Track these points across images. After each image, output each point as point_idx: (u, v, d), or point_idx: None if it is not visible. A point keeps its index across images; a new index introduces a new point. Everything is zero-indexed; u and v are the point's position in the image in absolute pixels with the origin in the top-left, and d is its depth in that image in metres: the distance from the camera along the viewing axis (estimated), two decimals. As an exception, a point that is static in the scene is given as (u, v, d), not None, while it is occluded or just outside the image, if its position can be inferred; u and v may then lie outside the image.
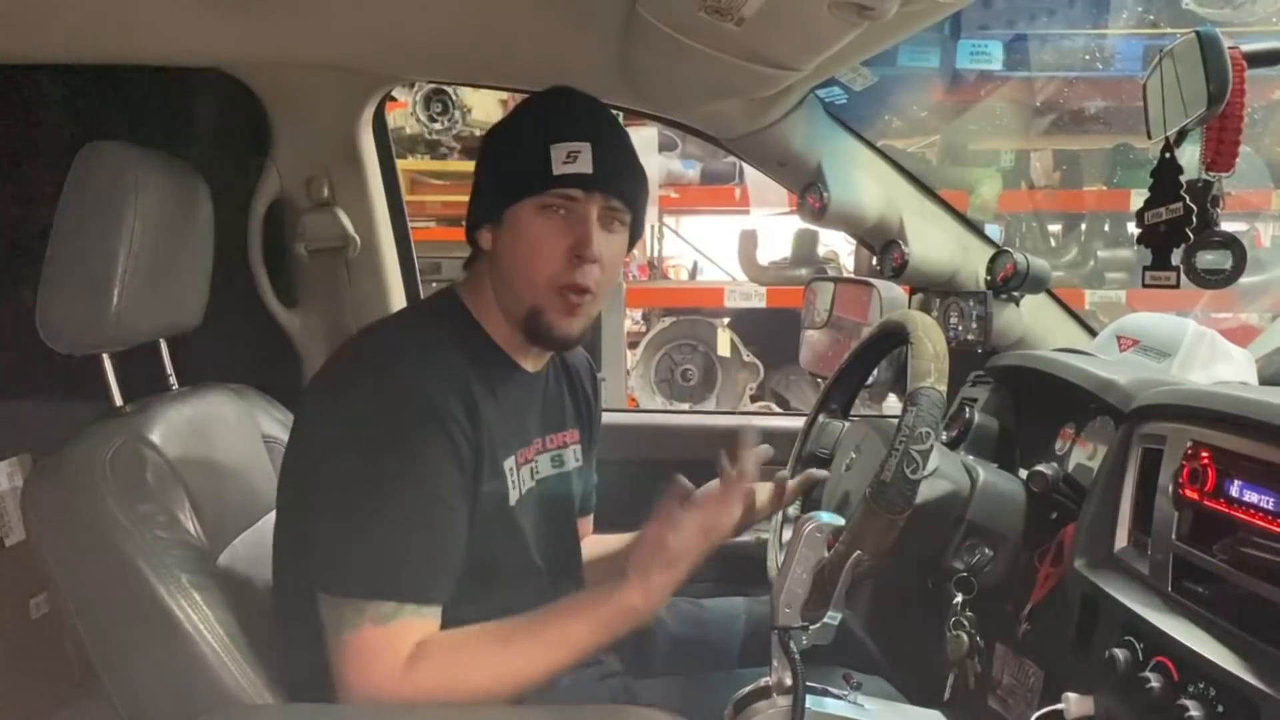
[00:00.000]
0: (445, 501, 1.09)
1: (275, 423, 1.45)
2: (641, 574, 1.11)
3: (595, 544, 1.46)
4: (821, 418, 1.33)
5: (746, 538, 1.86)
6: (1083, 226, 4.26)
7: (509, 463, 1.20)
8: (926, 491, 1.04)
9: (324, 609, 1.07)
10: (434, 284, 1.89)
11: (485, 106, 3.83)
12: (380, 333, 1.23)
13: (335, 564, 1.07)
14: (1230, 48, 0.96)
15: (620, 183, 1.19)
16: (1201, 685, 0.87)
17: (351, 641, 1.04)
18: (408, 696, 1.04)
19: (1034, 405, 1.43)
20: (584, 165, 1.15)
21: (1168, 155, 1.02)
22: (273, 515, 1.25)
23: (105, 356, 1.22)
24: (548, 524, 1.28)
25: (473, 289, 1.25)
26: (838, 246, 4.09)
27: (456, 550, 1.11)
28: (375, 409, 1.09)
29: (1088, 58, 3.88)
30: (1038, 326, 1.73)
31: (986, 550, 1.14)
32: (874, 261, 1.78)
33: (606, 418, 1.48)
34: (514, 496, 1.20)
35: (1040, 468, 1.18)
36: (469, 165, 1.87)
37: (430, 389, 1.10)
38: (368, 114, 1.74)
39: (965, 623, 1.15)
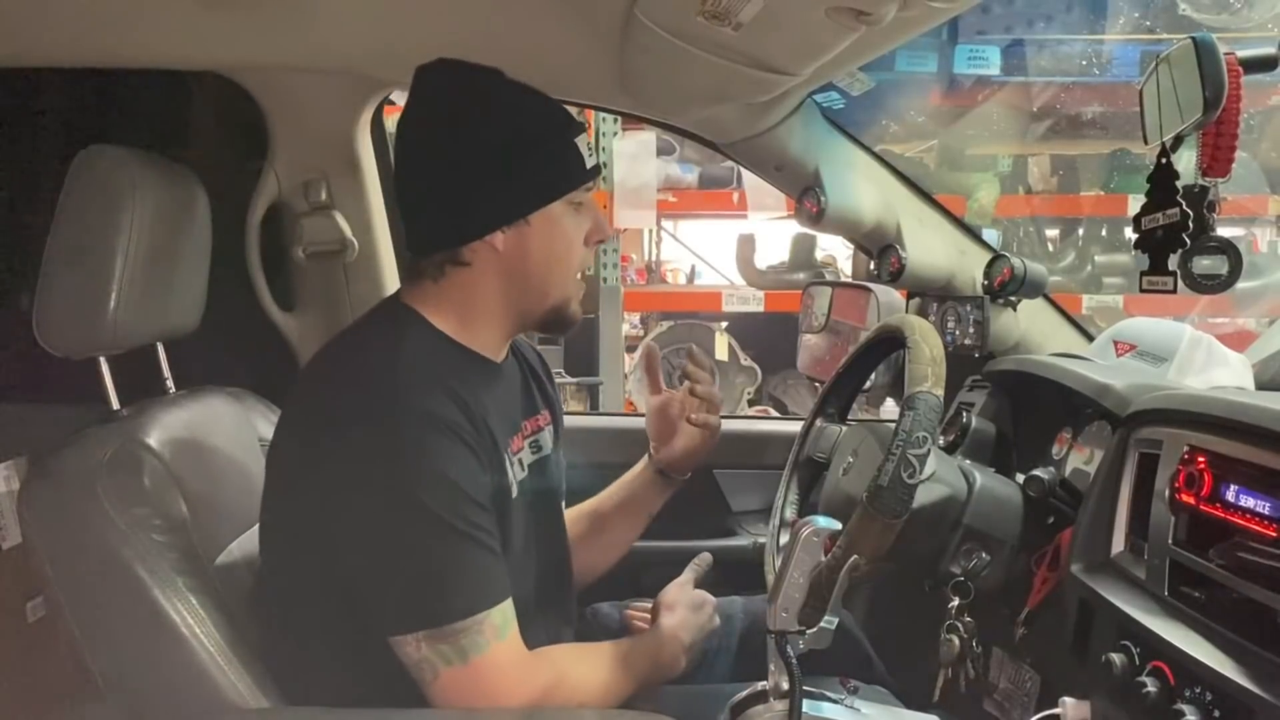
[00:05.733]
0: (484, 505, 1.10)
1: (272, 427, 1.44)
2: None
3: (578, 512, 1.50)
4: (819, 422, 1.33)
5: (744, 541, 1.87)
6: (1080, 231, 4.25)
7: (507, 454, 1.20)
8: (923, 496, 1.04)
9: (415, 648, 1.06)
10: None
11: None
12: (353, 358, 1.18)
13: (424, 599, 1.06)
14: (1226, 53, 0.96)
15: None
16: (1198, 690, 0.87)
17: (483, 662, 1.06)
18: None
19: (1031, 410, 1.43)
20: (593, 156, 1.22)
21: (1164, 161, 1.02)
22: (270, 519, 1.24)
23: (102, 360, 1.22)
24: (539, 513, 1.28)
25: (425, 296, 1.21)
26: (835, 251, 4.08)
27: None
28: (387, 440, 1.07)
29: (1085, 63, 3.88)
30: (1035, 331, 1.73)
31: (983, 555, 1.14)
32: (871, 266, 1.78)
33: (605, 421, 1.48)
34: (514, 490, 1.20)
35: (1037, 472, 1.18)
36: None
37: (429, 404, 1.09)
38: (366, 118, 1.73)
39: (960, 626, 1.15)
